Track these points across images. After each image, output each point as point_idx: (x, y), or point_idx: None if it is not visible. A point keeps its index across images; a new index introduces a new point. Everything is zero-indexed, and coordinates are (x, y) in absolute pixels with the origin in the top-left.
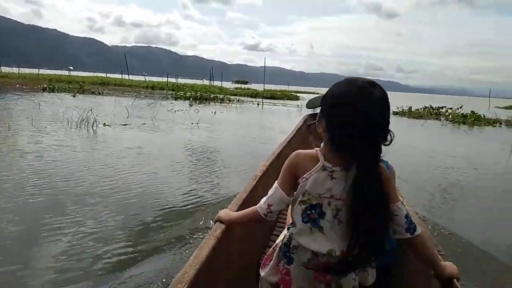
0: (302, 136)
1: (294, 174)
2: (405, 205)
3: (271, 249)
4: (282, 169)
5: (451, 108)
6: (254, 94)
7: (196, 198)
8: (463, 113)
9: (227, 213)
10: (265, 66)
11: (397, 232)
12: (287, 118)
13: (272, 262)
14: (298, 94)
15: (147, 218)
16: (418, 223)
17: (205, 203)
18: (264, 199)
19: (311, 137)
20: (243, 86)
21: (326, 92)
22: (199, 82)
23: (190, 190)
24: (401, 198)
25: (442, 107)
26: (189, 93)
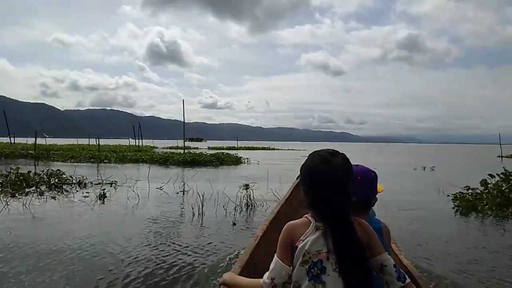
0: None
1: (291, 243)
2: (403, 257)
3: None
4: (278, 241)
5: None
6: (164, 159)
7: None
8: None
9: (232, 276)
10: (184, 121)
11: (390, 283)
12: None
13: None
14: (241, 155)
15: None
16: (414, 272)
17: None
18: (266, 274)
19: None
20: (192, 144)
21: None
22: (138, 141)
23: None
24: (398, 251)
25: None
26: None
